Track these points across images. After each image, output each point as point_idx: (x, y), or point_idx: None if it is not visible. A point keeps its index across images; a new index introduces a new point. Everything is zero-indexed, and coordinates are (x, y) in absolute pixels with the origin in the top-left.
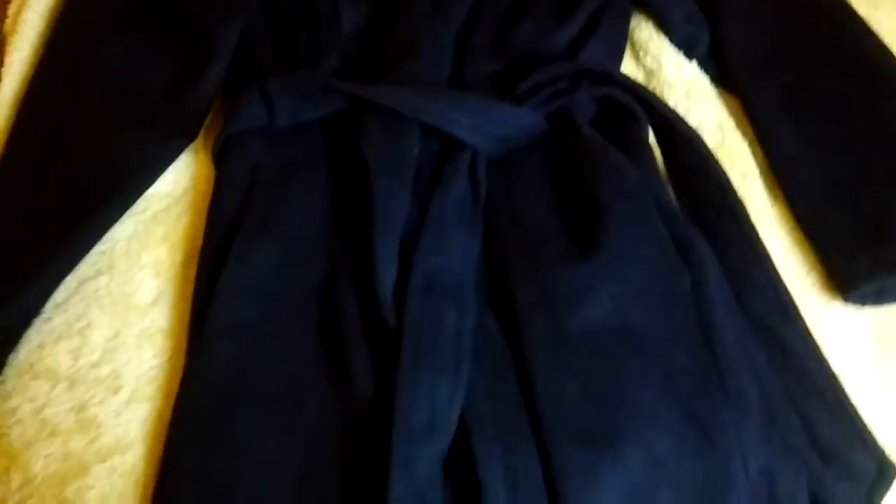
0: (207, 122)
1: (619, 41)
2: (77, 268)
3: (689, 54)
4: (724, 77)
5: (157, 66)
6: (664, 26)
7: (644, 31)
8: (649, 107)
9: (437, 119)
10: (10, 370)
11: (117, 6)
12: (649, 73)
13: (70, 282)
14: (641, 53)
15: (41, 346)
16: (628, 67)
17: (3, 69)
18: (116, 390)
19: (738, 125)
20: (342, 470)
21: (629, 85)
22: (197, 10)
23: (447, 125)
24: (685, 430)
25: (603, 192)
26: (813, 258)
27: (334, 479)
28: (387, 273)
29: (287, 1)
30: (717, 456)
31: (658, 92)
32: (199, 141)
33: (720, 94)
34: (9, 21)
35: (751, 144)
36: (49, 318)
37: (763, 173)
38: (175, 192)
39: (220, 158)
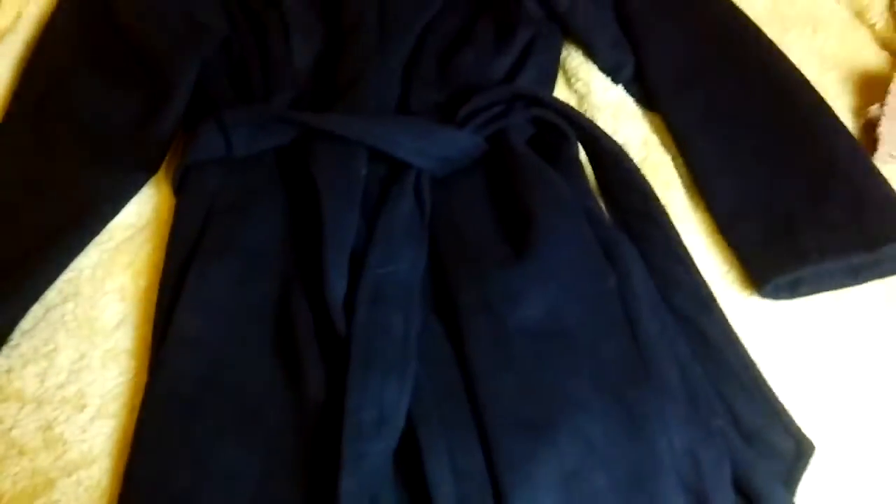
0: (168, 156)
1: (550, 68)
2: (43, 296)
3: (616, 79)
4: (647, 98)
5: (120, 104)
6: (592, 54)
7: (575, 60)
8: (578, 126)
9: (383, 142)
10: None
11: (84, 49)
12: (580, 97)
13: (37, 309)
14: (573, 80)
15: (9, 370)
16: (561, 92)
17: None
18: (82, 408)
19: (662, 141)
20: (300, 473)
21: (559, 107)
22: (158, 51)
23: (392, 148)
24: (615, 416)
25: (535, 202)
26: (731, 258)
27: (293, 484)
28: (337, 285)
29: (242, 40)
30: (645, 438)
31: (589, 114)
32: (160, 173)
33: (645, 113)
34: None
35: (674, 158)
36: (17, 345)
37: (685, 184)
38: (138, 222)
39: (180, 187)
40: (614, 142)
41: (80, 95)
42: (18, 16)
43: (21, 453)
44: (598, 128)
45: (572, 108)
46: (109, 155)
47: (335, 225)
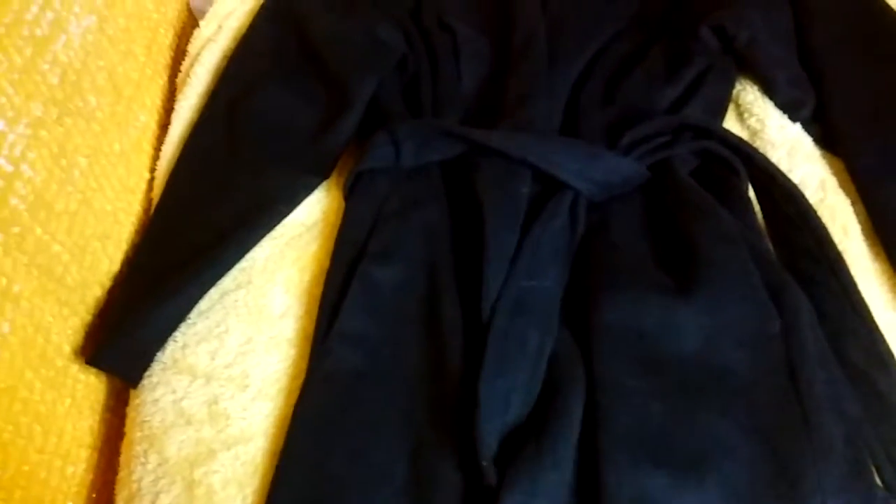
0: (340, 163)
1: (721, 101)
2: (220, 281)
3: (794, 117)
4: (827, 138)
5: (302, 114)
6: (769, 90)
7: (749, 95)
8: (749, 160)
9: (545, 162)
10: (156, 365)
11: (273, 63)
12: (753, 132)
13: (213, 293)
14: (746, 115)
15: (185, 346)
16: (733, 127)
17: (174, 114)
18: (244, 388)
19: (841, 184)
20: (443, 471)
21: (728, 139)
22: (339, 68)
23: (554, 169)
24: (766, 467)
25: (698, 234)
26: None
27: (435, 481)
28: (493, 295)
29: (416, 60)
30: (795, 498)
31: (761, 149)
32: (331, 179)
33: (823, 154)
34: (181, 75)
35: (854, 203)
36: (193, 323)
37: (865, 231)
38: (307, 221)
39: (350, 193)
40: (789, 179)
41: (267, 103)
42: (219, 28)
43: (188, 423)
44: (771, 164)
45: (744, 142)
46: (289, 158)
47: (496, 243)
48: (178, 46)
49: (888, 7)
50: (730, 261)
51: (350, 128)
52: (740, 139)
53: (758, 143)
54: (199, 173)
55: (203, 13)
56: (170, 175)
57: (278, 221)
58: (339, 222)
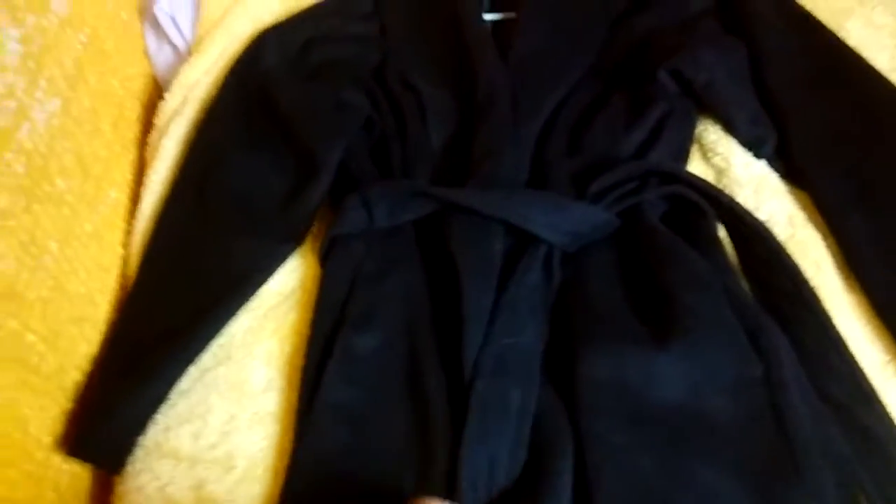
0: (314, 229)
1: (683, 144)
2: (199, 359)
3: (758, 154)
4: (792, 173)
5: (271, 183)
6: (731, 129)
7: (712, 134)
8: (716, 202)
9: (516, 217)
10: (139, 450)
11: (240, 133)
12: (719, 171)
13: (193, 371)
14: (710, 154)
15: (167, 428)
16: (698, 168)
17: (144, 188)
18: (230, 469)
19: (810, 218)
20: None
21: (695, 182)
22: (306, 134)
23: (525, 223)
24: None
25: (673, 282)
26: (893, 346)
27: None
28: (472, 356)
29: (383, 120)
30: None
31: (728, 190)
32: (305, 245)
33: (790, 189)
34: (149, 148)
35: (824, 237)
36: (174, 404)
37: (837, 264)
38: (284, 290)
39: (325, 258)
40: (757, 220)
41: (236, 173)
42: (185, 99)
43: None
44: (739, 205)
45: (711, 185)
46: (261, 228)
47: (473, 304)
48: (145, 119)
49: (839, 42)
50: (705, 306)
51: (321, 193)
52: (706, 182)
53: (724, 182)
54: (172, 249)
55: (169, 83)
56: (143, 253)
57: (254, 293)
58: (316, 289)
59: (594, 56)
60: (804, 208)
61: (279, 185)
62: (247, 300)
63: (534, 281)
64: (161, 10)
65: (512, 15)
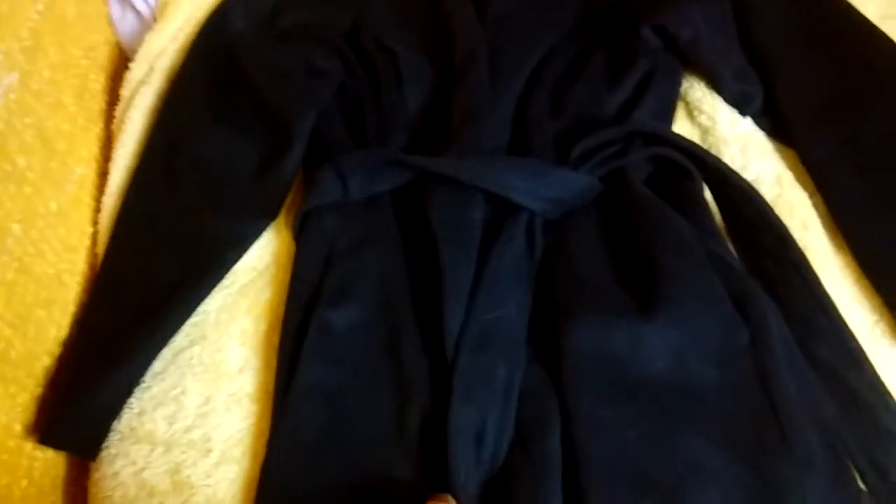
0: (287, 201)
1: (669, 102)
2: (172, 339)
3: (743, 111)
4: (779, 131)
5: (242, 154)
6: (716, 85)
7: (697, 91)
8: (701, 163)
9: (496, 185)
10: (113, 436)
11: (208, 102)
12: (704, 131)
13: (166, 353)
14: (696, 113)
15: (141, 412)
16: (683, 127)
17: (111, 163)
18: (207, 453)
19: (797, 177)
20: None
21: (680, 143)
22: (277, 103)
23: (506, 191)
24: (746, 484)
25: (658, 248)
26: (881, 307)
27: None
28: (454, 330)
29: (357, 85)
30: None
31: (714, 149)
32: (279, 219)
33: (777, 147)
34: (116, 120)
35: (811, 196)
36: (148, 387)
37: (825, 224)
38: (259, 265)
39: (300, 232)
40: (744, 180)
41: (206, 145)
42: (151, 69)
43: (151, 495)
44: (725, 165)
45: (696, 145)
46: (233, 202)
47: (453, 277)
48: (111, 90)
49: None
50: (691, 274)
51: (294, 164)
52: (692, 143)
53: (710, 141)
54: (142, 226)
55: (134, 51)
56: (112, 230)
57: (228, 269)
58: (289, 264)
59: (576, 11)
60: (792, 168)
61: (251, 156)
62: (221, 278)
63: (516, 251)
64: None
65: None
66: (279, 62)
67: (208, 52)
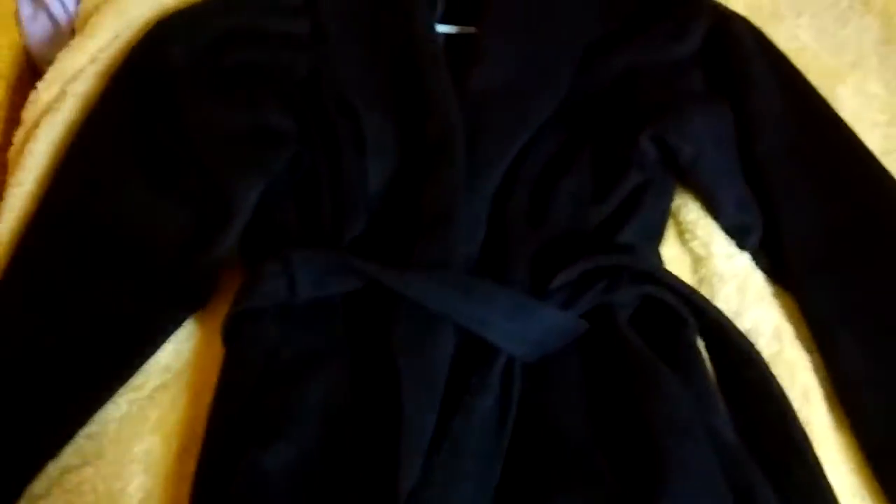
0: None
1: (659, 221)
2: (61, 453)
3: (741, 243)
4: (778, 272)
5: (169, 220)
6: (713, 210)
7: (691, 212)
8: (698, 310)
9: (471, 321)
10: None
11: (129, 148)
12: (696, 259)
13: (51, 470)
14: (688, 236)
15: None
16: (673, 249)
17: (3, 203)
18: None
19: (797, 332)
20: None
21: (675, 287)
22: (218, 165)
23: (481, 329)
24: None
25: (652, 422)
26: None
27: None
28: (406, 488)
29: (311, 155)
30: None
31: (706, 283)
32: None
33: (775, 291)
34: (13, 148)
35: (811, 355)
36: None
37: (826, 395)
38: (174, 364)
39: (231, 336)
40: (745, 338)
41: (123, 202)
42: (63, 93)
43: None
44: (724, 317)
45: (693, 291)
46: (152, 281)
47: (413, 425)
48: (12, 103)
49: (835, 117)
50: (692, 461)
51: (230, 243)
52: (689, 287)
53: (702, 273)
54: (31, 295)
55: (44, 59)
56: None
57: (138, 367)
58: (213, 368)
59: (563, 90)
60: (791, 317)
61: (178, 225)
62: (127, 377)
63: (487, 408)
64: None
65: (470, 30)
66: (223, 113)
67: (136, 82)
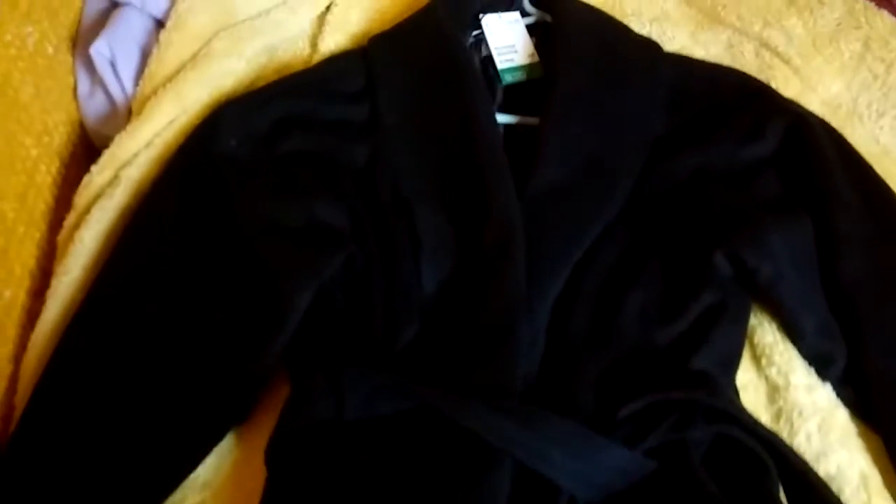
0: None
1: (735, 348)
2: None
3: (823, 374)
4: (863, 408)
5: (213, 325)
6: (792, 334)
7: (768, 335)
8: (779, 456)
9: (532, 457)
10: None
11: (180, 245)
12: (773, 388)
13: None
14: (764, 361)
15: None
16: (748, 373)
17: (49, 291)
18: None
19: (885, 480)
20: None
21: (757, 431)
22: (270, 265)
23: (543, 466)
24: None
25: None
26: None
27: None
28: None
29: (365, 257)
30: None
31: (785, 417)
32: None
33: (860, 431)
34: (64, 233)
35: None
36: None
37: None
38: (214, 480)
39: (272, 458)
40: (829, 489)
41: (169, 305)
42: (116, 178)
43: None
44: (809, 467)
45: (774, 435)
46: (197, 391)
47: None
48: (65, 180)
49: None
50: None
51: (279, 349)
52: (771, 433)
53: (780, 405)
54: (67, 407)
55: (101, 136)
56: (30, 399)
57: (176, 486)
58: (254, 485)
59: (628, 192)
60: (878, 463)
61: (225, 331)
62: (164, 500)
63: None
64: (99, 52)
65: (531, 121)
66: (276, 207)
67: (189, 174)
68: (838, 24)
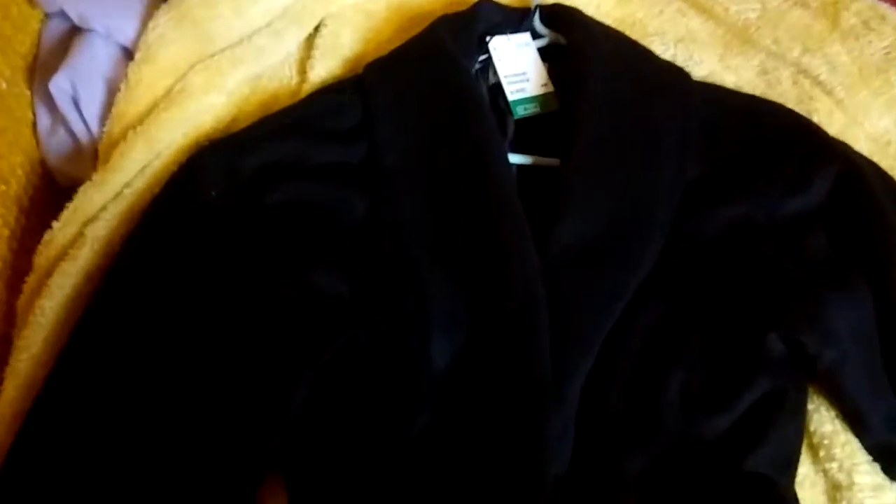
0: None
1: (794, 443)
2: None
3: (889, 470)
4: None
5: (191, 424)
6: (854, 423)
7: (826, 423)
8: None
9: None
10: None
11: (155, 319)
12: (834, 486)
13: None
14: (822, 453)
15: None
16: (802, 466)
17: (8, 370)
18: None
19: None
20: None
21: None
22: (265, 354)
23: None
24: None
25: None
26: None
27: None
28: None
29: (367, 335)
30: None
31: None
32: None
33: None
34: (24, 297)
35: None
36: None
37: None
38: None
39: None
40: None
41: (143, 394)
42: (81, 235)
43: None
44: None
45: None
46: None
47: None
48: (26, 231)
49: None
50: None
51: (268, 452)
52: None
53: None
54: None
55: (66, 175)
56: None
57: None
58: None
59: (657, 252)
60: None
61: (205, 424)
62: None
63: None
64: (59, 88)
65: (549, 161)
66: (266, 274)
67: (165, 234)
68: (887, 53)
